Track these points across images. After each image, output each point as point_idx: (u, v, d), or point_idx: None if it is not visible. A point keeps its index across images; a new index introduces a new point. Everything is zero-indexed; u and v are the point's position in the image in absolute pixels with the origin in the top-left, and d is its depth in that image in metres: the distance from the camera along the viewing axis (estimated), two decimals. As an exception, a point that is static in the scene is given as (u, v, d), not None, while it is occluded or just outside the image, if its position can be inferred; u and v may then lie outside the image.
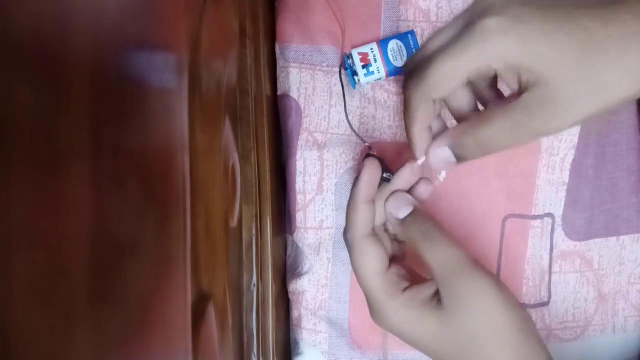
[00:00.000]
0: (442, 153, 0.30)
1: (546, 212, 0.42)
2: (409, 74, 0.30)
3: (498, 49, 0.25)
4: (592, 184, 0.42)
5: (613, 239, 0.43)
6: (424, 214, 0.32)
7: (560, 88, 0.25)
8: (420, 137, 0.31)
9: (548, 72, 0.25)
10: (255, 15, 0.39)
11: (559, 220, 0.42)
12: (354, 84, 0.41)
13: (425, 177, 0.34)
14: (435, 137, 0.31)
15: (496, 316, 0.29)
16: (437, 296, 0.30)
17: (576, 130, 0.41)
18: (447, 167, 0.31)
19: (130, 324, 0.18)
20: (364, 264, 0.32)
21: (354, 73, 0.41)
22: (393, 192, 0.33)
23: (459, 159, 0.30)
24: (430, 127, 0.31)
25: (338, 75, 0.41)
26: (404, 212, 0.32)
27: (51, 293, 0.13)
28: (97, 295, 0.16)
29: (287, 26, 0.42)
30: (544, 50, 0.25)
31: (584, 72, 0.25)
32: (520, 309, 0.30)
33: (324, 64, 0.42)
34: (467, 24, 0.27)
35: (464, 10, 0.28)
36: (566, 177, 0.42)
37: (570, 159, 0.42)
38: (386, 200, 0.33)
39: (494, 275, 0.30)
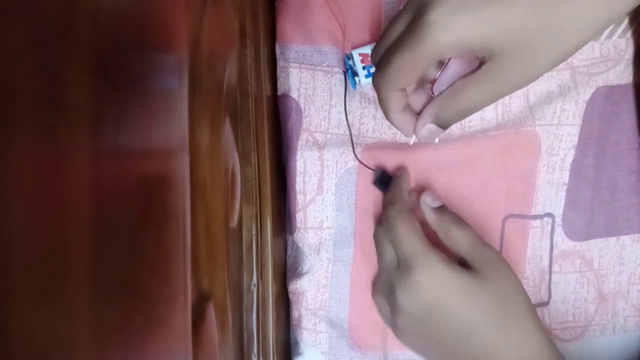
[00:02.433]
0: (428, 129, 0.33)
1: (546, 212, 0.42)
2: (376, 66, 0.31)
3: (446, 40, 0.27)
4: (592, 184, 0.42)
5: (613, 239, 0.43)
6: (447, 207, 0.40)
7: (515, 53, 0.27)
8: (399, 120, 0.33)
9: (499, 47, 0.27)
10: (255, 15, 0.39)
11: (558, 220, 0.42)
12: (354, 84, 0.41)
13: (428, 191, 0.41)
14: (420, 112, 0.33)
15: (514, 278, 0.35)
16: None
17: (576, 130, 0.41)
18: (436, 136, 0.33)
19: (130, 324, 0.18)
20: (413, 217, 0.37)
21: (355, 74, 0.41)
22: (425, 192, 0.40)
23: (443, 127, 0.32)
24: (407, 106, 0.33)
25: (338, 76, 0.41)
26: (437, 203, 0.40)
27: (51, 293, 0.13)
28: (97, 295, 0.16)
29: (287, 26, 0.42)
30: (490, 29, 0.26)
31: (535, 32, 0.26)
32: None
33: (324, 64, 0.42)
34: (415, 12, 0.28)
35: None
36: (566, 177, 0.42)
37: (570, 159, 0.42)
38: (421, 195, 0.40)
39: None
